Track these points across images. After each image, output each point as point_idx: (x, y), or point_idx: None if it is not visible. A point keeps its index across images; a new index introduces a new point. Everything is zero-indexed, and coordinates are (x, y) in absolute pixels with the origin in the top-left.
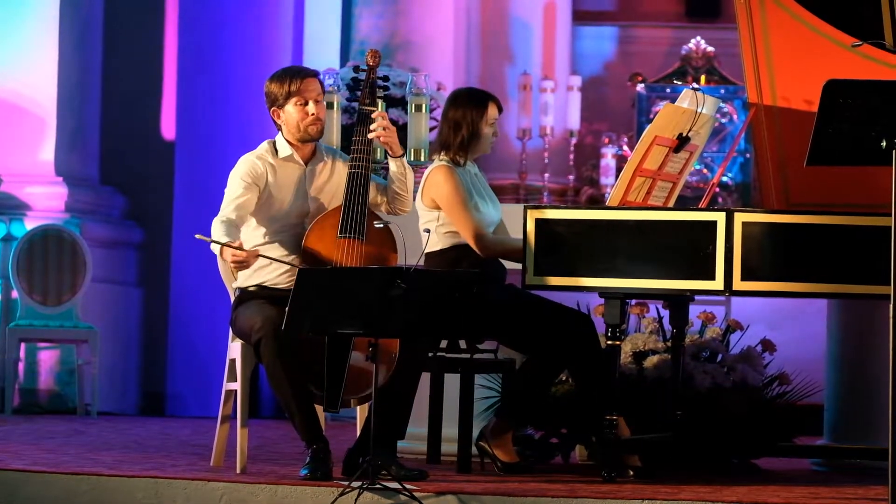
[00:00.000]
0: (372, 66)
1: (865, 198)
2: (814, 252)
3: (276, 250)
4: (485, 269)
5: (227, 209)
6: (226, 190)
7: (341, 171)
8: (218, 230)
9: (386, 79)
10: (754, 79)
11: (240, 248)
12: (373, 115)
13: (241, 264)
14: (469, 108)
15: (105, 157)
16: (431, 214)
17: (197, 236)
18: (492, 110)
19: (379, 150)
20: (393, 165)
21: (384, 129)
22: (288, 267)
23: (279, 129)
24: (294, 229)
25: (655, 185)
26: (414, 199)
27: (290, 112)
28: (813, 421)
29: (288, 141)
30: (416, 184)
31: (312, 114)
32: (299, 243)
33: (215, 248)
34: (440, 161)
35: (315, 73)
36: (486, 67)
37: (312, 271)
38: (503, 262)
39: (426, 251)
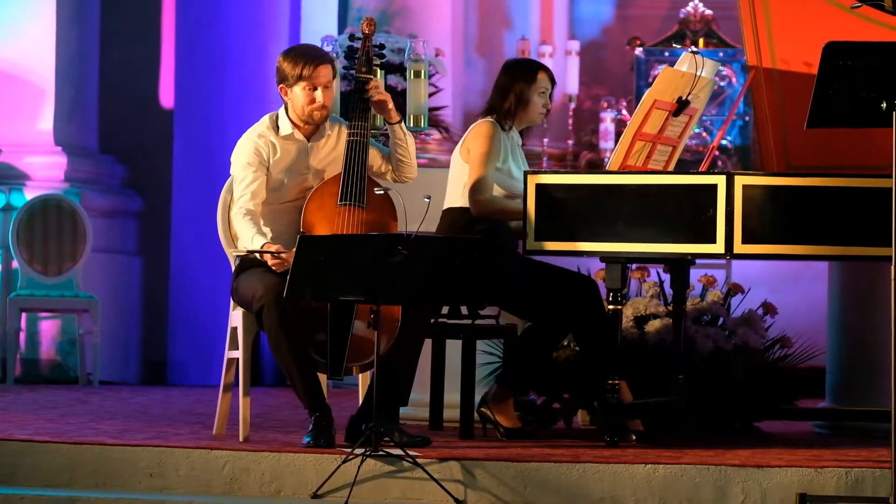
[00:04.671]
0: (367, 34)
1: (866, 159)
2: (814, 214)
3: (276, 222)
4: (491, 235)
5: (242, 199)
6: (234, 172)
7: (345, 139)
8: (245, 230)
9: (382, 46)
10: (753, 41)
11: (276, 252)
12: (367, 86)
13: (282, 265)
14: (519, 75)
15: (104, 127)
16: (465, 168)
17: (239, 253)
18: (542, 80)
19: (378, 117)
20: (392, 132)
21: (379, 92)
22: (288, 235)
23: (285, 103)
24: (295, 202)
25: (655, 149)
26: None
27: (298, 94)
28: (815, 383)
29: (291, 119)
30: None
31: (318, 101)
32: (300, 216)
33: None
34: (486, 118)
35: (331, 60)
36: (484, 33)
37: (314, 238)
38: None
39: (447, 206)
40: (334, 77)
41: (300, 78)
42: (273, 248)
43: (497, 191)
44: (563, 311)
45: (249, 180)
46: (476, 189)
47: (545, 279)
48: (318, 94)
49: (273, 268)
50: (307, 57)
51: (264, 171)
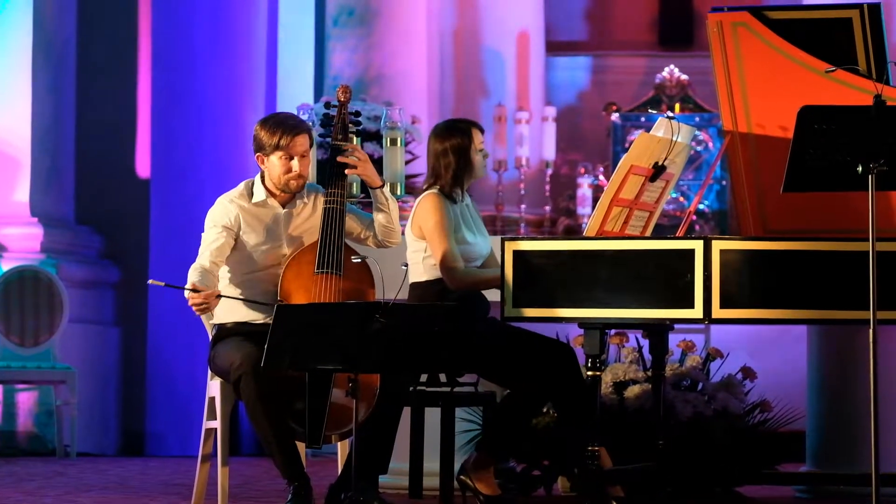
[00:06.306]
0: (343, 101)
1: (843, 223)
2: (792, 278)
3: (252, 289)
4: (467, 303)
5: (202, 256)
6: (202, 235)
7: (321, 207)
8: (189, 277)
9: (357, 114)
10: (729, 106)
11: (195, 289)
12: (344, 149)
13: (202, 307)
14: (456, 140)
15: (80, 197)
16: (419, 244)
17: (150, 282)
18: (477, 135)
19: (355, 184)
20: (375, 197)
21: (358, 159)
22: (264, 302)
23: (261, 170)
24: (270, 270)
25: (632, 214)
26: (403, 231)
27: (274, 163)
28: (795, 448)
29: (266, 186)
30: (403, 215)
31: (295, 171)
32: (276, 283)
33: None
34: (430, 191)
35: (308, 129)
36: (460, 99)
37: (291, 307)
38: (486, 295)
39: (413, 280)
40: (311, 146)
41: (277, 147)
42: (190, 286)
43: None
44: (541, 378)
45: (212, 239)
46: (446, 262)
47: (522, 346)
48: (295, 163)
49: (195, 311)
50: (284, 126)
51: (231, 235)
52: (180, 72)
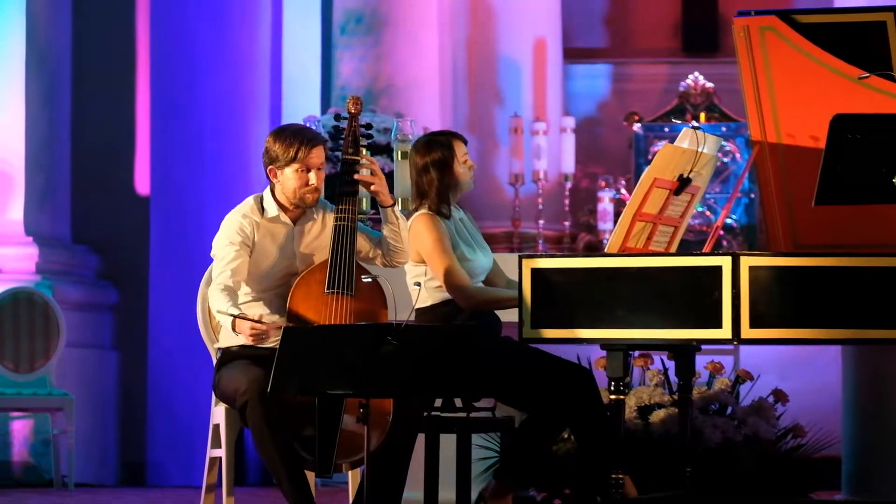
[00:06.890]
0: (354, 113)
1: (878, 237)
2: (825, 296)
3: (261, 309)
4: (479, 322)
5: (222, 275)
6: (215, 253)
7: (332, 224)
8: (221, 300)
9: (369, 126)
10: (757, 115)
11: (258, 320)
12: (361, 162)
13: (261, 337)
14: (434, 153)
15: (77, 215)
16: (419, 269)
17: (222, 345)
18: (459, 147)
19: (365, 200)
20: (384, 216)
21: (373, 174)
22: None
23: (271, 184)
24: (280, 289)
25: (656, 229)
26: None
27: (289, 176)
28: (830, 475)
29: (278, 201)
30: None
31: (312, 184)
32: (286, 302)
33: (226, 319)
34: (421, 210)
35: (324, 141)
36: (474, 110)
37: (298, 329)
38: (498, 314)
39: (417, 307)
40: (326, 158)
41: (294, 160)
42: (254, 316)
43: None
44: (557, 402)
45: (231, 258)
46: (453, 280)
47: (541, 368)
48: (312, 176)
49: (252, 341)
50: (301, 138)
51: (247, 250)
52: (181, 83)
